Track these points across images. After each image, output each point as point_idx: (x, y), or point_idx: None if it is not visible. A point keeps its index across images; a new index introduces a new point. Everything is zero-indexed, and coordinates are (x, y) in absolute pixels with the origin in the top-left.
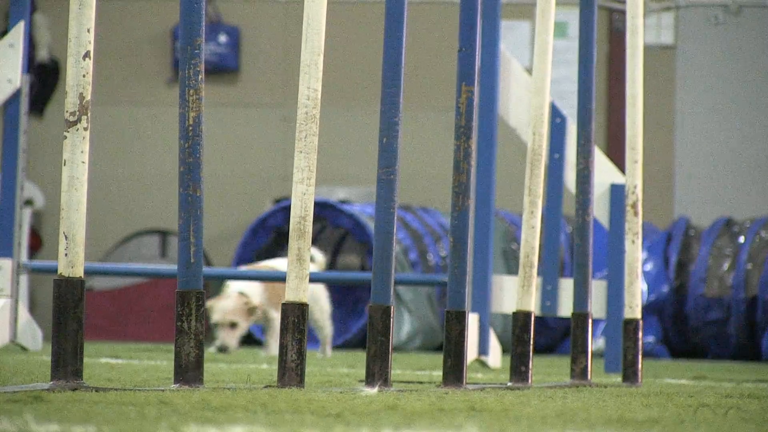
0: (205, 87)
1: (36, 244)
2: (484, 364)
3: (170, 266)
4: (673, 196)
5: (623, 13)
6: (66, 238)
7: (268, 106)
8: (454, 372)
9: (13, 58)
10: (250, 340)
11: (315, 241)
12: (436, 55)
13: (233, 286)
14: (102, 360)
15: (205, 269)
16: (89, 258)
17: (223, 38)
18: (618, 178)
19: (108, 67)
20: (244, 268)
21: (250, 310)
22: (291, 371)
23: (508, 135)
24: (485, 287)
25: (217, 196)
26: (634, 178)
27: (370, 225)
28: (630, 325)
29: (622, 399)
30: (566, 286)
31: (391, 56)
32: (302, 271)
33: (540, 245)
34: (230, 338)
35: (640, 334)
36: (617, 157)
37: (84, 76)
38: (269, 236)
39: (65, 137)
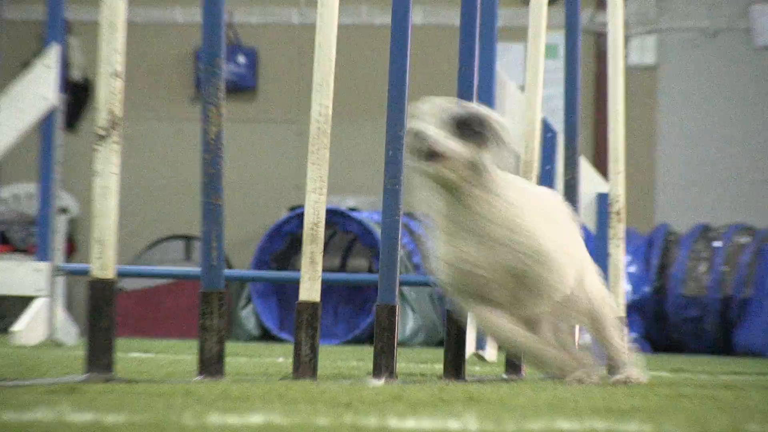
0: (225, 104)
1: (71, 249)
2: (481, 358)
3: (194, 268)
4: (654, 203)
5: (607, 35)
6: (98, 243)
7: (283, 122)
8: (454, 365)
9: (49, 78)
10: (267, 336)
11: (326, 246)
12: (437, 74)
13: None
14: (132, 354)
15: (226, 271)
16: (120, 261)
17: (241, 59)
18: (603, 187)
19: (136, 86)
20: None
21: None
22: (305, 364)
23: None
24: None
25: (237, 204)
26: (618, 188)
27: (377, 231)
28: None
29: (608, 390)
30: None
31: (396, 75)
32: (315, 273)
33: None
34: None
35: (625, 330)
36: (603, 167)
37: (114, 94)
38: (284, 241)
39: (97, 150)
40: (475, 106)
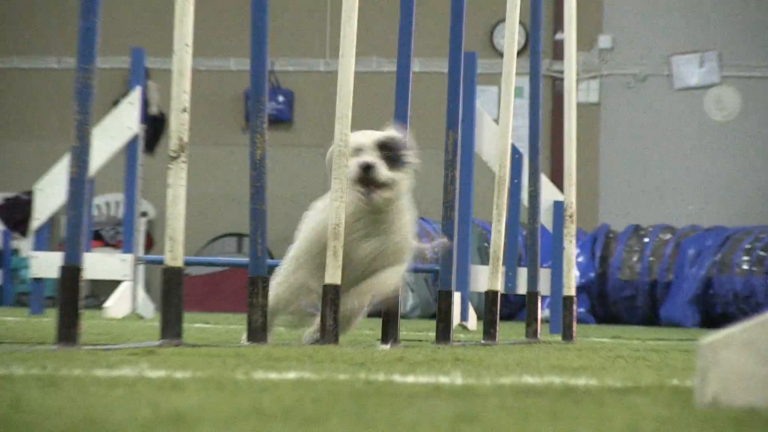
0: (268, 133)
1: (149, 244)
2: (465, 328)
3: (244, 259)
4: (598, 209)
5: (562, 80)
6: (170, 239)
7: (313, 146)
8: (443, 333)
9: (133, 112)
10: None
11: None
12: (430, 109)
13: None
14: (196, 325)
15: (269, 261)
16: (186, 253)
17: (281, 98)
18: (559, 196)
19: (200, 119)
20: None
21: None
22: (329, 333)
23: (481, 166)
24: (466, 273)
25: (277, 209)
26: (570, 197)
27: None
28: (567, 300)
29: (562, 352)
30: (522, 273)
31: (400, 110)
32: (337, 263)
33: (504, 244)
34: None
35: (575, 306)
36: (559, 181)
37: (182, 125)
38: None
39: (169, 168)
40: (392, 131)
